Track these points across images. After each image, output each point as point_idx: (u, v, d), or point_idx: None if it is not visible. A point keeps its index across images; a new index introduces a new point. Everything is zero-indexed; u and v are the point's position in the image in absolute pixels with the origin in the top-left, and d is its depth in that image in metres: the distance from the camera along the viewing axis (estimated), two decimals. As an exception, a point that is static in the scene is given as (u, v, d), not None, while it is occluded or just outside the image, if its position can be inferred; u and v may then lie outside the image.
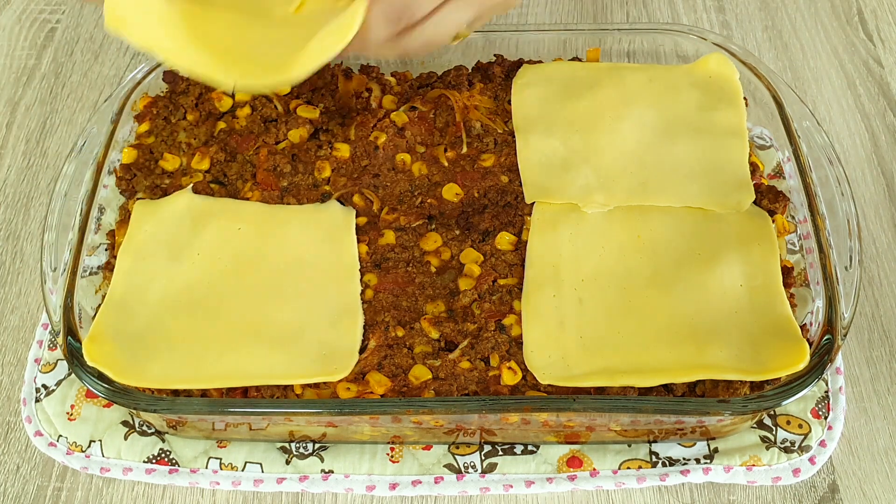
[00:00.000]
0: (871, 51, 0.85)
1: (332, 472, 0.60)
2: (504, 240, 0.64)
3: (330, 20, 0.54)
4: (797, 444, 0.60)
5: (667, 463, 0.60)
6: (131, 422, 0.62)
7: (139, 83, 0.71)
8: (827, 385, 0.63)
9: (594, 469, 0.60)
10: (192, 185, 0.67)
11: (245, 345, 0.58)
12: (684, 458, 0.60)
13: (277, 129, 0.70)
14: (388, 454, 0.61)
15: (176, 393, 0.57)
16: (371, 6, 0.56)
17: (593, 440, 0.61)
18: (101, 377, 0.55)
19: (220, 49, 0.55)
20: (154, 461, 0.61)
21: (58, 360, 0.65)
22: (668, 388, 0.57)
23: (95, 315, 0.60)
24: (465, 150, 0.69)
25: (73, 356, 0.56)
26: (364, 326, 0.60)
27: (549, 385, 0.57)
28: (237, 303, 0.60)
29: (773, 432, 0.61)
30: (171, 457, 0.61)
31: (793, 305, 0.60)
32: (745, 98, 0.71)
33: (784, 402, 0.54)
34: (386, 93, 0.73)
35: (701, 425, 0.59)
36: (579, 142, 0.68)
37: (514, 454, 0.61)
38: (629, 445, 0.61)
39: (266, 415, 0.56)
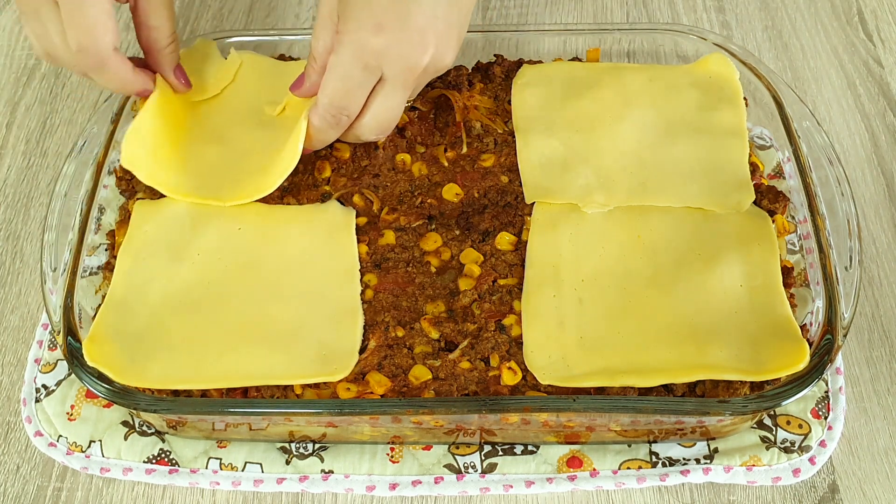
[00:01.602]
0: (871, 51, 0.85)
1: (332, 472, 0.60)
2: (504, 240, 0.64)
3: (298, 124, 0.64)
4: (797, 445, 0.61)
5: (667, 463, 0.60)
6: (131, 422, 0.62)
7: (139, 83, 0.71)
8: (827, 385, 0.63)
9: (594, 469, 0.60)
10: (192, 185, 0.67)
11: (245, 345, 0.58)
12: (684, 459, 0.60)
13: (277, 129, 0.70)
14: (388, 454, 0.61)
15: (176, 393, 0.57)
16: (310, 118, 0.63)
17: (593, 440, 0.61)
18: (101, 377, 0.55)
19: (210, 176, 0.66)
20: (154, 461, 0.61)
21: (58, 361, 0.65)
22: (668, 389, 0.57)
23: (95, 315, 0.60)
24: (465, 150, 0.69)
25: (73, 356, 0.56)
26: (364, 326, 0.60)
27: (549, 385, 0.57)
28: (237, 303, 0.60)
29: (773, 432, 0.61)
30: (171, 457, 0.61)
31: (793, 305, 0.60)
32: (745, 98, 0.71)
33: (784, 403, 0.54)
34: (386, 93, 0.73)
35: (701, 425, 0.59)
36: (579, 142, 0.68)
37: (514, 454, 0.61)
38: (629, 445, 0.61)
39: (266, 415, 0.56)
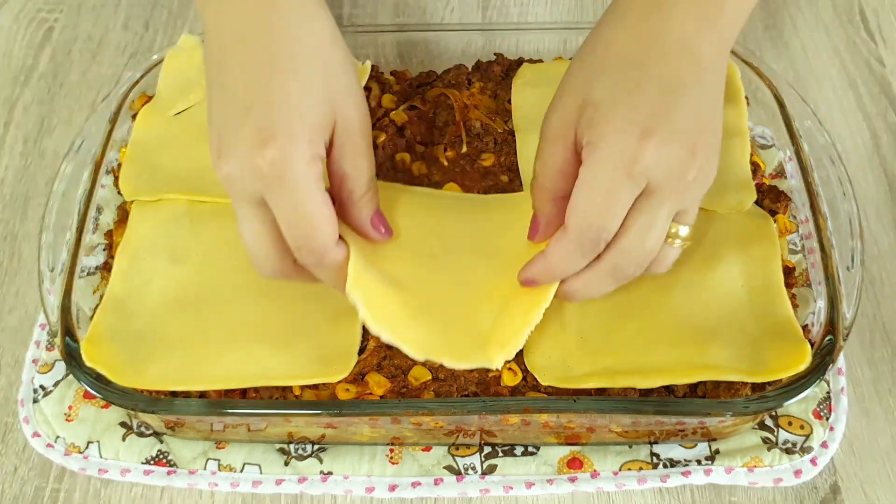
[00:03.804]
0: (873, 50, 0.85)
1: (331, 473, 0.60)
2: (504, 240, 0.64)
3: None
4: (799, 446, 0.60)
5: (668, 464, 0.60)
6: (129, 423, 0.62)
7: (137, 83, 0.71)
8: (828, 386, 0.63)
9: (595, 470, 0.60)
10: (190, 184, 0.66)
11: (244, 346, 0.58)
12: (685, 460, 0.60)
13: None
14: (387, 455, 0.61)
15: (174, 394, 0.56)
16: (554, 246, 0.52)
17: (594, 441, 0.61)
18: (100, 378, 0.55)
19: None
20: (152, 462, 0.60)
21: (56, 361, 0.64)
22: (668, 389, 0.56)
23: (93, 316, 0.59)
24: (464, 149, 0.69)
25: (71, 357, 0.56)
26: (363, 327, 0.60)
27: (549, 386, 0.56)
28: (236, 303, 0.60)
29: (775, 433, 0.61)
30: (169, 458, 0.60)
31: (794, 306, 0.60)
32: (746, 97, 0.71)
33: (786, 403, 0.54)
34: (385, 91, 0.72)
35: (702, 426, 0.58)
36: (580, 141, 0.68)
37: (515, 455, 0.60)
38: (630, 447, 0.61)
39: (265, 416, 0.55)
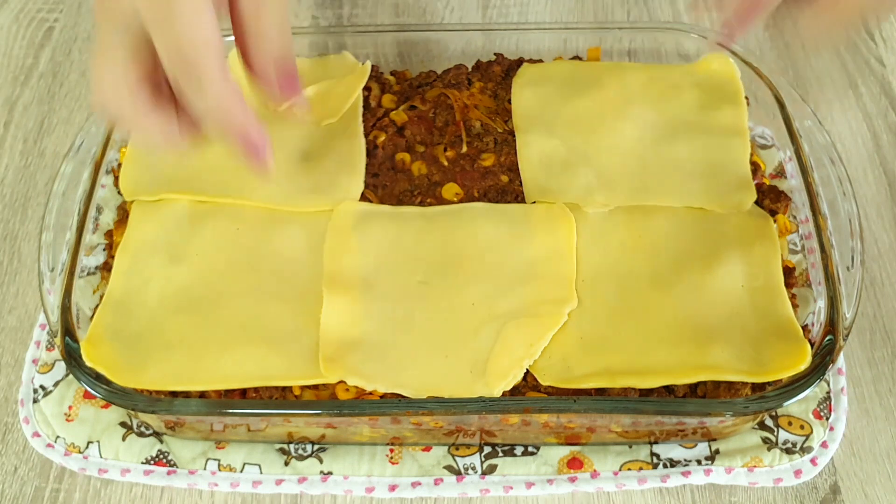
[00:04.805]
0: (873, 50, 0.85)
1: (331, 473, 0.60)
2: (504, 240, 0.64)
3: None
4: (799, 446, 0.60)
5: (668, 464, 0.60)
6: (129, 423, 0.62)
7: (137, 82, 0.71)
8: (829, 386, 0.63)
9: (595, 470, 0.60)
10: (190, 184, 0.66)
11: (243, 346, 0.58)
12: (685, 460, 0.60)
13: (276, 128, 0.69)
14: (387, 455, 0.61)
15: (174, 394, 0.56)
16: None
17: (594, 441, 0.60)
18: (99, 378, 0.55)
19: (216, 175, 0.61)
20: (152, 462, 0.60)
21: (55, 361, 0.64)
22: (669, 389, 0.56)
23: (93, 316, 0.59)
24: (464, 149, 0.69)
25: (71, 357, 0.56)
26: (363, 327, 0.60)
27: (549, 386, 0.56)
28: (236, 303, 0.60)
29: (775, 433, 0.61)
30: (169, 458, 0.60)
31: (794, 306, 0.60)
32: (746, 97, 0.70)
33: (786, 403, 0.54)
34: (385, 91, 0.72)
35: (702, 426, 0.58)
36: (580, 141, 0.68)
37: (515, 455, 0.60)
38: (630, 447, 0.61)
39: (265, 416, 0.55)
